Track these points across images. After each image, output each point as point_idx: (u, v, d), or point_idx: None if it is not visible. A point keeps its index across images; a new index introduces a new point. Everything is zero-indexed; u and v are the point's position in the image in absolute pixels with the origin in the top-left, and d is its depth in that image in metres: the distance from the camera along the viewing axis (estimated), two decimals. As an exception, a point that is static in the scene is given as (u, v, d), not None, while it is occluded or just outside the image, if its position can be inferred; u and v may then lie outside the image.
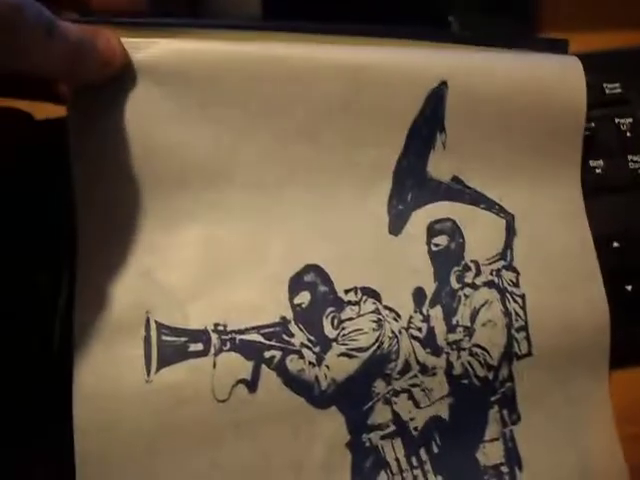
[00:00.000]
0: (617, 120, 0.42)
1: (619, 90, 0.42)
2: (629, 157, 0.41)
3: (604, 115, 0.42)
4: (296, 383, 0.34)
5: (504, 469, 0.36)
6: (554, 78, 0.38)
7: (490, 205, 0.37)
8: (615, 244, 0.39)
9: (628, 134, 0.41)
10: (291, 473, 0.35)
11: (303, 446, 0.35)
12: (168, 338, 0.35)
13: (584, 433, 0.36)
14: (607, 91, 0.42)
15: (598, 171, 0.40)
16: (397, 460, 0.35)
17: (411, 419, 0.35)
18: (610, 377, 0.37)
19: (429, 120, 0.37)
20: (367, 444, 0.35)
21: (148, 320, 0.34)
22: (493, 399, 0.36)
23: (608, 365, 0.37)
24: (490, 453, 0.36)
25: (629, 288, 0.39)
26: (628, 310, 0.38)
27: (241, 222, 0.35)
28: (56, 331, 0.36)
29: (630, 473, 0.36)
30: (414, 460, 0.35)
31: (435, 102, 0.36)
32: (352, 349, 0.35)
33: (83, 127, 0.33)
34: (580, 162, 0.39)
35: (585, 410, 0.36)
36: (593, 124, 0.41)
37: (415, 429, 0.35)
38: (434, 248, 0.36)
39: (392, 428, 0.35)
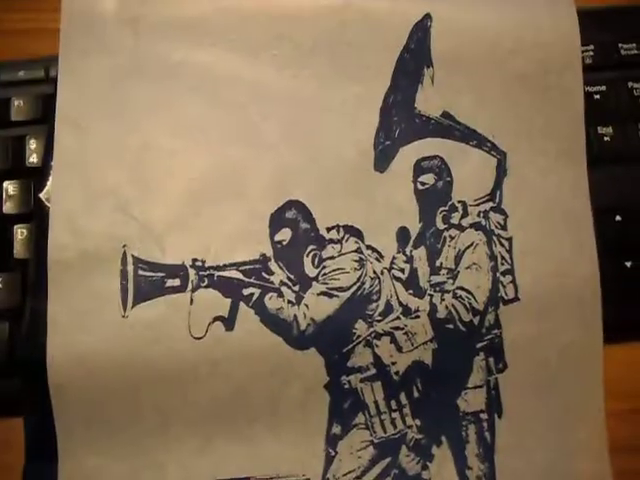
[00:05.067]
0: (630, 84, 0.39)
1: (635, 51, 0.39)
2: (640, 125, 0.38)
3: (617, 78, 0.39)
4: (274, 322, 0.34)
5: (483, 416, 0.35)
6: (543, 8, 0.36)
7: (481, 142, 0.35)
8: (618, 217, 0.37)
9: (641, 100, 0.38)
10: (267, 411, 0.34)
11: (280, 386, 0.34)
12: (145, 273, 0.34)
13: (573, 390, 0.35)
14: (622, 52, 0.39)
15: (606, 139, 0.38)
16: (376, 403, 0.34)
17: (392, 363, 0.34)
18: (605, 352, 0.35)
19: (415, 54, 0.35)
20: (346, 386, 0.34)
21: (125, 254, 0.34)
22: (479, 346, 0.34)
23: (601, 321, 0.34)
24: (471, 400, 0.35)
25: (628, 264, 0.36)
26: (625, 287, 0.36)
27: (221, 156, 0.35)
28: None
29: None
30: (393, 403, 0.34)
31: (420, 35, 0.35)
32: (332, 288, 0.34)
33: None
34: (583, 96, 0.36)
35: (576, 365, 0.35)
36: (604, 87, 0.38)
37: (396, 373, 0.34)
38: (420, 187, 0.35)
39: (372, 371, 0.34)
